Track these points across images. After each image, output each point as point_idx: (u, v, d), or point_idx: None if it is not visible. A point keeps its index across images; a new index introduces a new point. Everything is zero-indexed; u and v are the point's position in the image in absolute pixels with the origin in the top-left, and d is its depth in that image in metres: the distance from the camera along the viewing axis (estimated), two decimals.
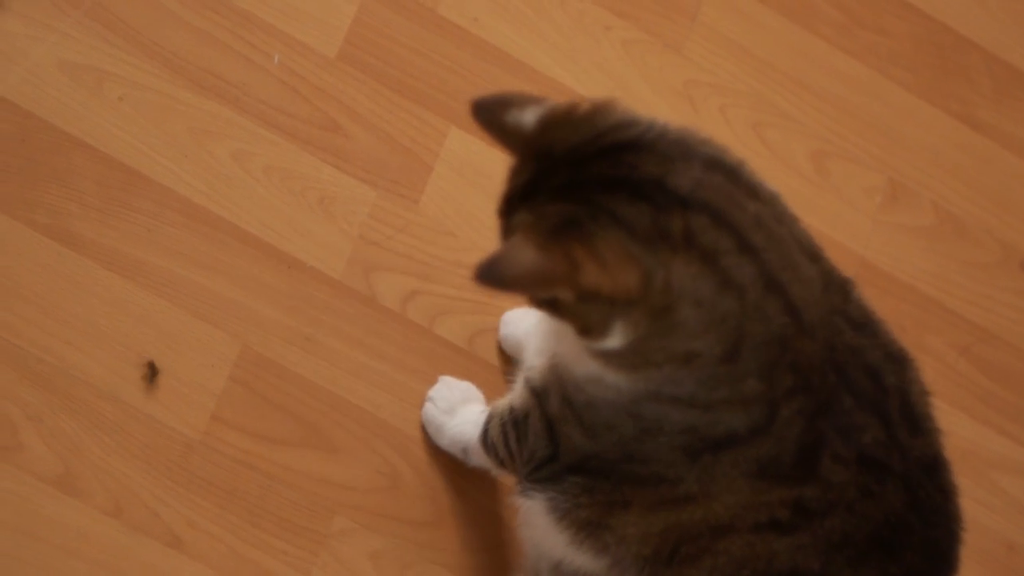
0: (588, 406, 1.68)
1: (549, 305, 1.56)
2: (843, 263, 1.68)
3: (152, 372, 2.07)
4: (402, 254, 2.20)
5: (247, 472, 2.07)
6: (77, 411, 2.04)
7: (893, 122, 2.46)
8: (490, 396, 2.10)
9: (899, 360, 1.65)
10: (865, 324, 1.63)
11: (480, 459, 2.02)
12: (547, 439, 1.76)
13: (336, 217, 2.19)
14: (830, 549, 1.63)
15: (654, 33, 2.40)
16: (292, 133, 2.21)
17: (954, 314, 2.40)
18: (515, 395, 1.85)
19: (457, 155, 2.26)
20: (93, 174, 2.13)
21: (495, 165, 2.24)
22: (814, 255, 1.60)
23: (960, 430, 2.33)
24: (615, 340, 1.53)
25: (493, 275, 1.48)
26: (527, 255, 1.48)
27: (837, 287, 1.62)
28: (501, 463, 1.92)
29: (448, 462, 2.13)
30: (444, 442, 2.12)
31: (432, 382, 2.14)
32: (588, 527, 1.74)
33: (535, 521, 1.82)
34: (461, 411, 2.10)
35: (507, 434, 1.85)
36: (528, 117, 1.56)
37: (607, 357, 1.58)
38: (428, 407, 2.13)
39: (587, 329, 1.54)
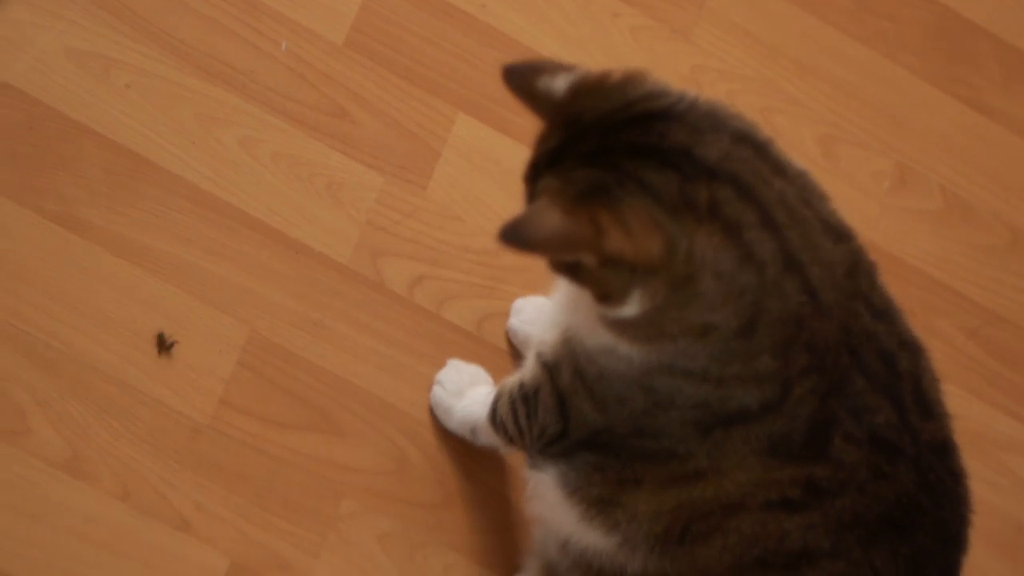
0: (600, 378, 1.68)
1: (570, 269, 1.57)
2: None
3: (164, 344, 2.07)
4: (410, 239, 2.20)
5: (255, 455, 2.07)
6: (85, 396, 2.04)
7: (901, 107, 2.46)
8: (499, 380, 2.09)
9: (913, 348, 1.65)
10: (884, 312, 1.63)
11: (489, 438, 2.02)
12: (557, 414, 1.76)
13: (344, 203, 2.19)
14: (841, 528, 1.63)
15: (662, 19, 2.40)
16: (299, 120, 2.21)
17: (962, 297, 2.40)
18: (525, 370, 1.85)
19: (465, 141, 2.26)
20: (100, 161, 2.13)
21: (503, 151, 2.26)
22: (841, 235, 1.60)
23: (969, 412, 2.32)
24: (632, 308, 1.53)
25: (518, 236, 1.49)
26: (553, 218, 1.49)
27: (864, 271, 1.62)
28: (510, 440, 1.92)
29: (456, 445, 2.13)
30: (452, 424, 2.12)
31: (440, 366, 2.14)
32: (599, 504, 1.74)
33: (545, 495, 1.82)
34: (469, 392, 2.10)
35: (516, 410, 1.85)
36: (559, 84, 1.57)
37: (621, 327, 1.58)
38: (436, 390, 2.13)
39: (606, 296, 1.55)
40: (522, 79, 1.58)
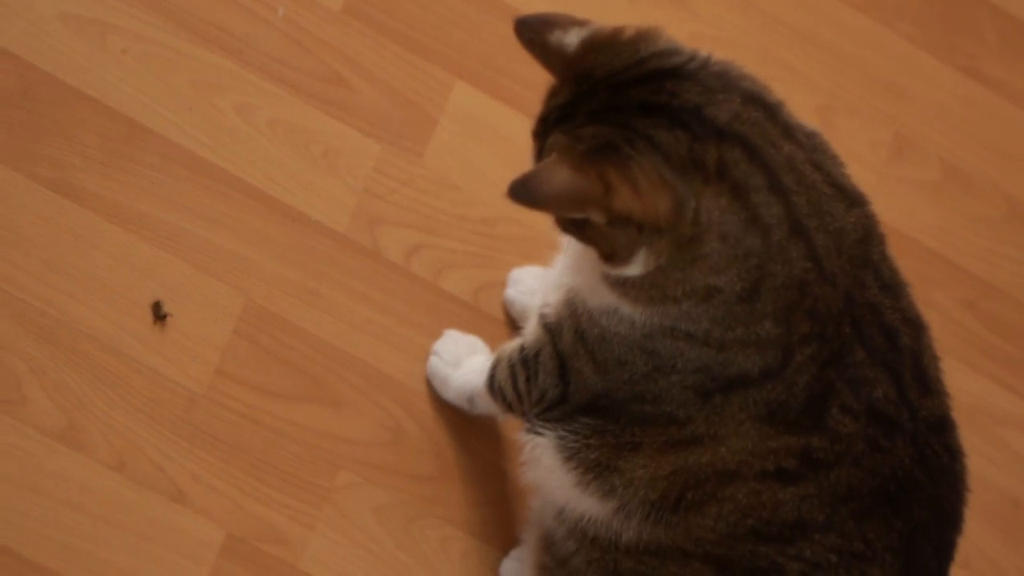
0: (601, 340, 1.68)
1: (576, 227, 1.57)
2: None
3: (159, 313, 2.06)
4: (406, 208, 2.20)
5: (251, 426, 2.07)
6: (80, 365, 2.04)
7: (899, 76, 2.45)
8: (495, 350, 2.09)
9: (916, 325, 1.66)
10: (892, 286, 1.64)
11: (486, 406, 2.02)
12: (558, 376, 1.76)
13: (340, 171, 2.18)
14: (835, 501, 1.63)
15: None
16: (296, 86, 2.20)
17: (959, 269, 2.39)
18: (527, 333, 1.85)
19: (462, 109, 2.26)
20: (96, 127, 2.12)
21: (500, 119, 2.25)
22: (854, 200, 1.60)
23: (965, 385, 2.33)
24: (637, 268, 1.54)
25: (526, 192, 1.49)
26: (562, 175, 1.49)
27: (877, 241, 1.62)
28: (509, 407, 1.91)
29: (453, 416, 2.13)
30: (449, 394, 2.12)
31: (436, 336, 2.14)
32: (596, 468, 1.74)
33: (542, 460, 1.82)
34: (466, 362, 2.10)
35: (516, 375, 1.85)
36: (571, 39, 1.57)
37: (625, 288, 1.59)
38: (433, 360, 2.13)
39: (611, 254, 1.55)
40: (534, 32, 1.58)
